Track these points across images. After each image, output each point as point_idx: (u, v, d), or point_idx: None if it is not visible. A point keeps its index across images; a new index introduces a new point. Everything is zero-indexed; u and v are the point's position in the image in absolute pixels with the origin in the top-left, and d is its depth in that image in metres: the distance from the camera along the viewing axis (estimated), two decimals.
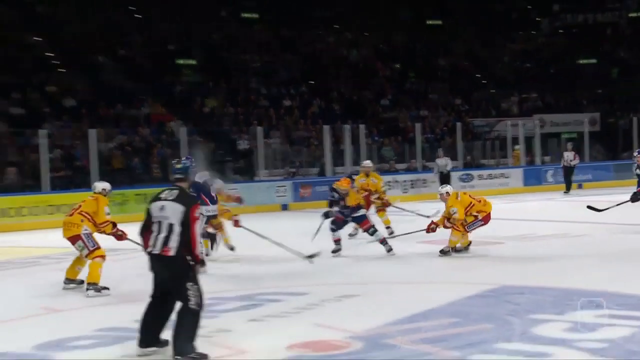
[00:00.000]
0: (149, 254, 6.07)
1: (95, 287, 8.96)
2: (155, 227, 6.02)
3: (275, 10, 33.99)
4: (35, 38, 28.21)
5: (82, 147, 21.41)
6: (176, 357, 5.79)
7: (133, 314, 7.86)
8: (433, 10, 37.94)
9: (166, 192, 6.16)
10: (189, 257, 5.99)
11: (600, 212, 14.06)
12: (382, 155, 26.27)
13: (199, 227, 6.07)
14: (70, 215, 9.40)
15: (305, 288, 9.06)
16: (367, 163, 14.84)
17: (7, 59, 25.84)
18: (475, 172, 25.10)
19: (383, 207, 14.09)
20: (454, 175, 24.45)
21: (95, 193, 9.62)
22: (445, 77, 35.10)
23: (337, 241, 11.50)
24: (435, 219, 11.62)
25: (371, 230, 11.32)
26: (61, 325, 7.68)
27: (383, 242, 11.29)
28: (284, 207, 21.47)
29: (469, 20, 38.11)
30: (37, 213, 18.55)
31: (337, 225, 11.48)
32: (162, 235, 5.94)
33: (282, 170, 23.88)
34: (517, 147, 26.78)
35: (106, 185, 9.94)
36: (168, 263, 5.95)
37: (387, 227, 13.72)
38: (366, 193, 13.36)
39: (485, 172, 25.38)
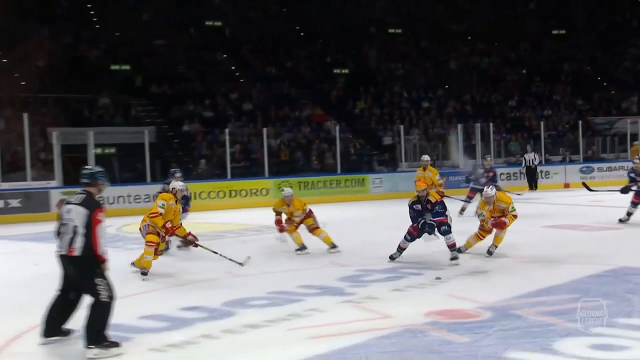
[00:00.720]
0: (58, 254, 5.63)
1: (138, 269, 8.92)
2: (63, 229, 5.58)
3: (416, 25, 33.61)
4: (223, 56, 29.25)
5: (257, 143, 22.00)
6: (89, 346, 5.38)
7: (297, 279, 8.18)
8: (558, 22, 36.25)
9: (75, 196, 5.69)
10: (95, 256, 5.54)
11: (591, 192, 13.75)
12: (509, 149, 25.54)
13: (101, 229, 5.51)
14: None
15: (441, 264, 8.91)
16: (424, 157, 13.90)
17: (201, 73, 27.01)
18: (595, 165, 23.96)
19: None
20: (575, 168, 23.49)
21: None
22: (568, 81, 33.39)
23: (401, 249, 9.38)
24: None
25: (444, 229, 9.07)
26: (241, 287, 7.94)
27: (452, 247, 9.09)
28: None
29: (591, 29, 36.17)
30: (222, 196, 19.37)
31: (411, 236, 9.30)
32: (68, 236, 5.51)
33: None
34: (636, 142, 25.34)
35: (177, 184, 9.48)
36: (74, 262, 5.52)
37: None
38: None
39: (605, 165, 24.18)
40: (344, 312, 6.61)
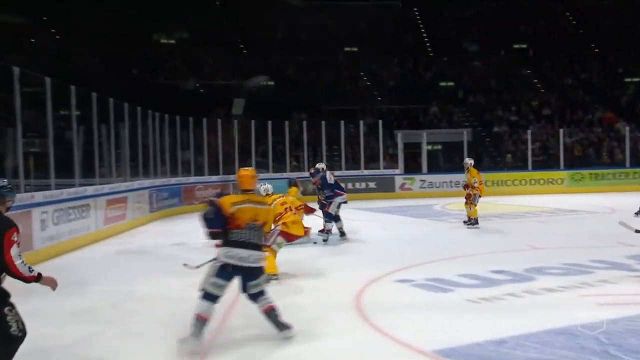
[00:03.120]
0: None
1: None
2: None
3: None
4: (527, 71, 27.51)
5: (555, 140, 20.49)
6: None
7: (589, 254, 7.32)
8: None
9: None
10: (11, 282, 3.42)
11: None
12: None
13: (15, 250, 3.31)
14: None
15: None
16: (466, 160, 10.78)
17: (508, 86, 25.70)
18: None
19: None
20: None
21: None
22: None
23: None
24: None
25: None
26: (540, 257, 7.41)
27: None
28: None
29: None
30: (523, 184, 18.45)
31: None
32: None
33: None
34: None
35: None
36: None
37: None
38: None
39: None
40: (632, 285, 5.81)
